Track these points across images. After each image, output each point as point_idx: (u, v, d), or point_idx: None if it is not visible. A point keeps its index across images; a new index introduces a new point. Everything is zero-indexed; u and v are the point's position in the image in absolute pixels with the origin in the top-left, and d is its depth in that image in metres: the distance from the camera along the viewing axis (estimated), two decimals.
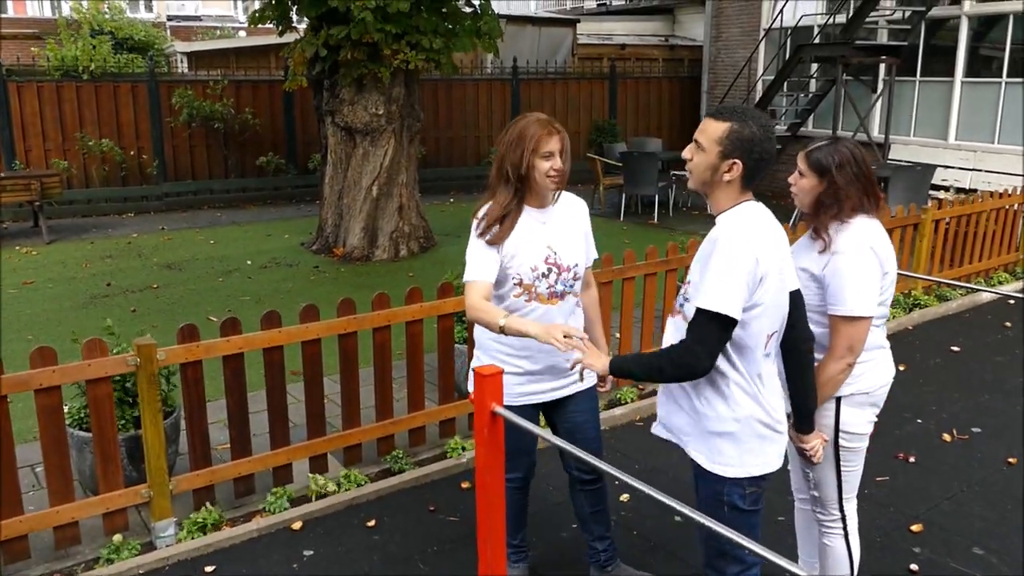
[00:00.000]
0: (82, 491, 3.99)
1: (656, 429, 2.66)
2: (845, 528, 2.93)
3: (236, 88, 13.47)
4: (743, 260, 2.25)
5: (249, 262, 9.32)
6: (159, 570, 3.55)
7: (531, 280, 2.95)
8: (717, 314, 2.24)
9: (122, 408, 3.88)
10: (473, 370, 2.50)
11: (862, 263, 2.63)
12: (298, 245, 10.22)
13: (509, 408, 2.43)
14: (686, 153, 2.44)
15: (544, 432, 2.49)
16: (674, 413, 2.56)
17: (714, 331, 2.26)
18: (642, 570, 3.42)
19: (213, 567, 3.56)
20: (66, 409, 3.73)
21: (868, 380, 2.77)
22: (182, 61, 18.24)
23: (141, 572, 3.53)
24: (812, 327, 2.64)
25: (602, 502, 3.29)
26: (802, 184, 2.77)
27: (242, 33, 27.29)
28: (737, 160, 2.32)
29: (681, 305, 2.47)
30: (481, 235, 2.93)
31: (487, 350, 3.09)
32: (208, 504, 3.89)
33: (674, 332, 2.50)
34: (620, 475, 2.11)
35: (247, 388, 4.00)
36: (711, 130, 2.34)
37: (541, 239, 2.97)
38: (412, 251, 9.78)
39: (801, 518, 3.15)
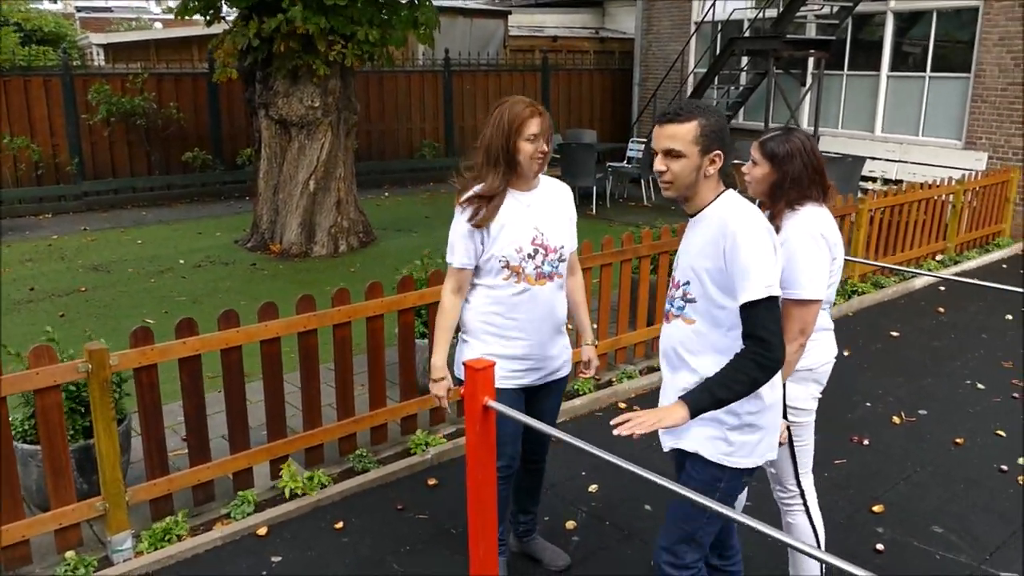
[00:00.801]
0: (27, 508, 3.77)
1: (666, 439, 2.55)
2: (805, 503, 3.02)
3: (158, 81, 12.99)
4: (768, 240, 2.28)
5: (182, 261, 9.00)
6: None
7: (518, 261, 2.97)
8: (773, 298, 2.24)
9: (72, 418, 3.68)
10: (464, 363, 2.44)
11: (813, 249, 2.69)
12: (232, 243, 9.92)
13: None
14: (659, 166, 2.34)
15: (531, 420, 2.44)
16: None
17: (777, 315, 2.27)
18: (616, 559, 3.42)
19: None
20: None
21: (812, 358, 2.87)
22: (98, 53, 17.49)
23: None
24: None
25: (539, 480, 3.43)
26: (755, 173, 2.84)
27: (158, 24, 26.42)
28: (718, 151, 2.34)
29: (681, 309, 2.42)
30: (468, 219, 2.95)
31: (474, 333, 3.07)
32: (171, 515, 3.72)
33: (689, 337, 2.41)
34: (623, 463, 2.08)
35: (204, 391, 3.84)
36: (682, 133, 2.29)
37: (528, 220, 3.00)
38: (352, 246, 9.60)
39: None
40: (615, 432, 2.18)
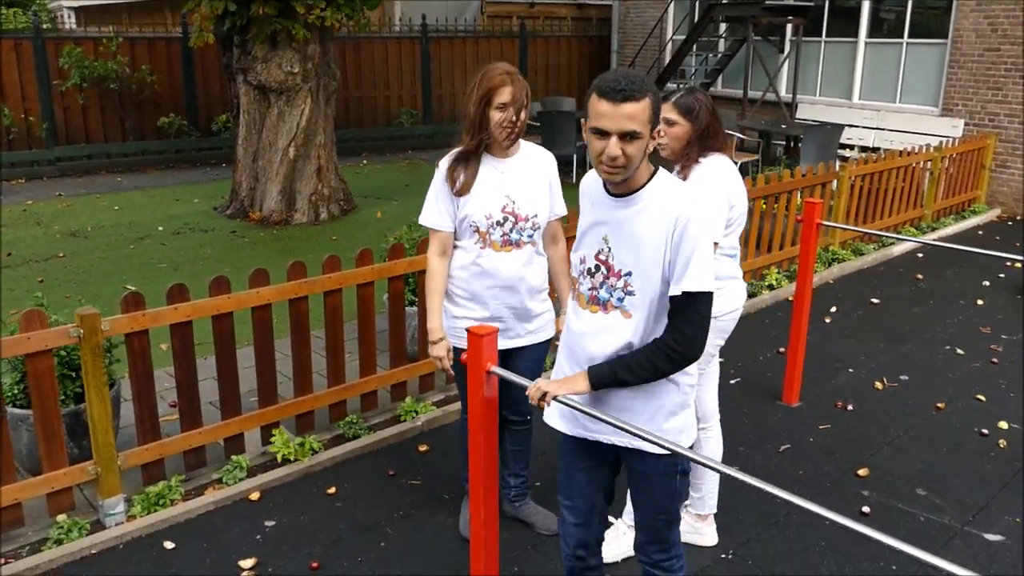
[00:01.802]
0: (18, 472, 3.75)
1: (577, 432, 2.44)
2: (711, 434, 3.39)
3: (131, 45, 12.72)
4: (710, 235, 2.20)
5: (160, 228, 8.90)
6: (114, 548, 3.39)
7: (485, 228, 3.03)
8: (709, 294, 2.16)
9: (63, 383, 3.66)
10: (467, 330, 2.45)
11: (713, 196, 2.95)
12: (211, 210, 9.81)
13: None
14: (614, 150, 2.10)
15: (507, 373, 2.47)
16: (615, 410, 2.31)
17: (707, 313, 2.17)
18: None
19: (172, 543, 3.42)
20: None
21: (718, 305, 2.98)
22: (69, 16, 17.13)
23: (94, 552, 3.36)
24: None
25: (525, 442, 3.47)
26: (675, 132, 3.01)
27: None
28: (658, 126, 2.24)
29: (621, 300, 2.25)
30: (446, 182, 3.03)
31: (450, 296, 3.16)
32: (163, 480, 3.73)
33: (614, 331, 2.26)
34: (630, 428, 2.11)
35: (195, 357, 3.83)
36: (639, 112, 2.11)
37: (499, 188, 3.04)
38: (332, 214, 9.53)
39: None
40: (534, 403, 2.28)
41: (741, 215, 3.11)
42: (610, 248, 2.25)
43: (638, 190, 2.21)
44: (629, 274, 2.22)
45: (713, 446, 3.40)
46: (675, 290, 2.15)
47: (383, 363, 4.65)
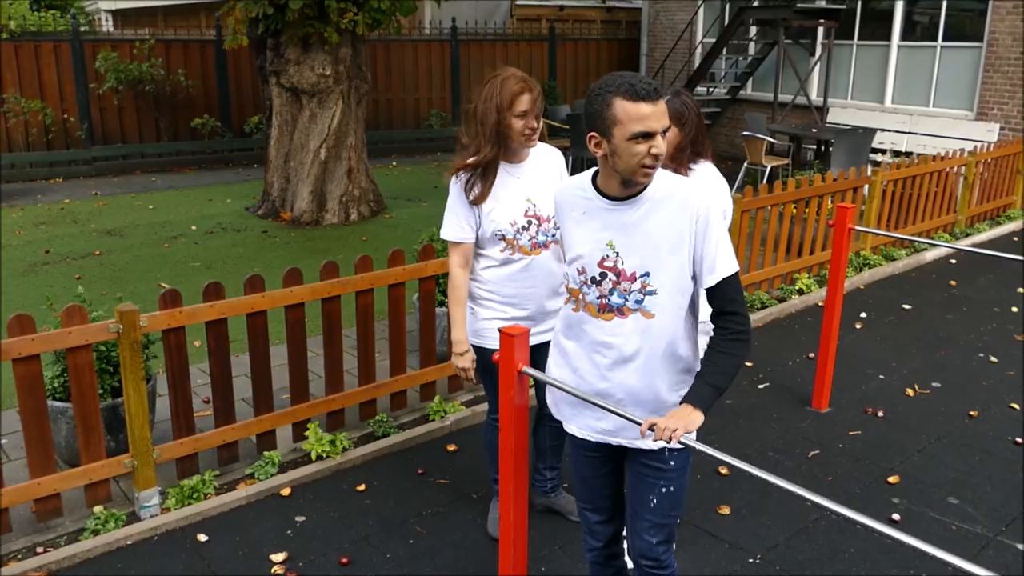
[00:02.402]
0: (57, 464, 3.84)
1: (598, 437, 2.41)
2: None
3: (166, 48, 12.93)
4: (723, 215, 2.30)
5: (194, 227, 9.03)
6: (148, 540, 3.46)
7: (512, 235, 3.06)
8: (738, 269, 2.24)
9: (101, 377, 3.74)
10: (499, 331, 2.48)
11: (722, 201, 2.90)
12: (242, 210, 9.94)
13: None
14: (662, 147, 2.12)
15: (536, 372, 2.49)
16: (640, 408, 2.31)
17: (741, 285, 2.25)
18: None
19: (206, 536, 3.48)
20: None
21: (703, 313, 2.97)
22: (106, 19, 17.42)
23: (129, 543, 3.43)
24: None
25: (561, 438, 3.47)
26: (668, 136, 2.89)
27: None
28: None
29: (639, 302, 2.23)
30: (464, 188, 3.04)
31: (477, 299, 3.18)
32: (196, 474, 3.80)
33: (640, 332, 2.25)
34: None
35: (230, 354, 3.89)
36: (665, 109, 2.15)
37: (519, 193, 3.07)
38: (363, 215, 9.62)
39: None
40: (654, 441, 2.18)
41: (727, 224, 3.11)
42: (617, 253, 2.23)
43: (643, 190, 2.21)
44: (647, 274, 2.21)
45: None
46: (713, 280, 2.19)
47: (413, 363, 4.70)
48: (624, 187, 2.20)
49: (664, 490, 2.39)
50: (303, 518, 3.64)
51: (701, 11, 14.61)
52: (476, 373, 3.19)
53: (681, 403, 2.16)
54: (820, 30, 12.64)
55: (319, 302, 4.10)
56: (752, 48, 14.07)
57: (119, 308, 3.43)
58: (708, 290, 2.22)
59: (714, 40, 13.55)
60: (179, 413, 3.76)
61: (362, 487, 3.88)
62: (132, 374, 3.48)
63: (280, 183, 9.65)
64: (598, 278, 2.27)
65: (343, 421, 4.32)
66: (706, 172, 3.00)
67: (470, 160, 3.02)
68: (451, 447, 4.25)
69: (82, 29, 12.69)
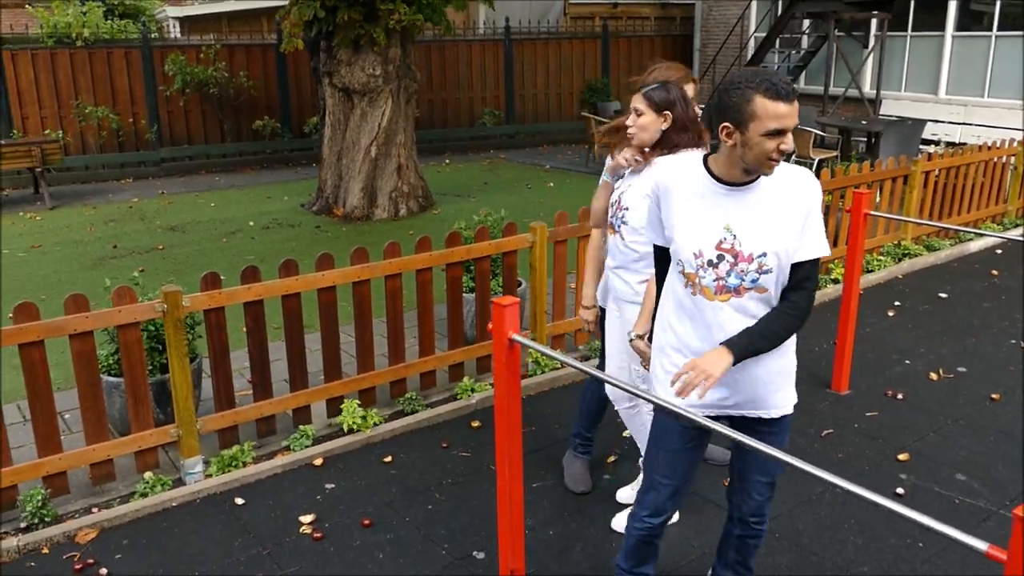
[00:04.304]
0: (112, 435, 4.18)
1: (707, 411, 2.50)
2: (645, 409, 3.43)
3: (229, 52, 13.48)
4: None
5: (251, 223, 9.45)
6: (191, 503, 3.76)
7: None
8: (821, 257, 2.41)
9: (151, 355, 4.07)
10: (492, 301, 2.68)
11: None
12: (298, 206, 10.35)
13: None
14: (792, 144, 2.28)
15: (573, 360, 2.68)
16: (743, 383, 2.46)
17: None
18: None
19: (243, 500, 3.77)
20: None
21: None
22: (174, 26, 18.17)
23: (174, 504, 3.73)
24: (641, 243, 3.10)
25: (603, 408, 3.79)
26: (644, 122, 3.06)
27: None
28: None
29: (755, 281, 2.34)
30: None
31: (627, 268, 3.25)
32: (237, 444, 4.09)
33: (760, 308, 2.38)
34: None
35: (267, 334, 4.18)
36: (638, 98, 2.57)
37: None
38: (411, 210, 9.92)
39: (629, 416, 3.50)
40: (680, 396, 2.28)
41: None
42: (735, 236, 2.32)
43: (759, 177, 2.33)
44: (764, 255, 2.32)
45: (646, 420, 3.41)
46: (807, 255, 2.34)
47: (443, 347, 4.94)
48: (745, 174, 2.31)
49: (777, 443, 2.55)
50: (332, 485, 3.90)
51: (754, 5, 14.56)
52: (596, 327, 3.47)
53: (720, 345, 2.33)
54: (873, 22, 12.50)
55: (351, 286, 4.36)
56: (804, 42, 13.98)
57: (164, 289, 3.74)
58: (795, 264, 2.35)
59: (765, 34, 13.50)
60: (220, 388, 4.07)
61: (388, 458, 4.12)
62: (176, 350, 3.78)
63: (333, 180, 10.02)
64: (715, 260, 2.35)
65: (374, 399, 4.58)
66: (691, 157, 3.10)
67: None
68: (475, 423, 4.47)
69: (152, 36, 13.33)
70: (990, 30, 10.82)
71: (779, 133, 2.20)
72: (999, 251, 7.78)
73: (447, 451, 4.21)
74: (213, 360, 4.03)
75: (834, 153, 10.66)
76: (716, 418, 2.50)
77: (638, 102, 3.07)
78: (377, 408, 4.53)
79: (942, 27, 11.48)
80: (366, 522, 3.59)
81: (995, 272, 7.09)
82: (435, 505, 3.73)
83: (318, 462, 4.08)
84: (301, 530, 3.56)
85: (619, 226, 3.20)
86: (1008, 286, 6.72)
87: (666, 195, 2.44)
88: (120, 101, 12.77)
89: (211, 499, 3.80)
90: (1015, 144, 8.34)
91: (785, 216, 2.32)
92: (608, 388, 3.56)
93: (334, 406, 4.41)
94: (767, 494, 2.67)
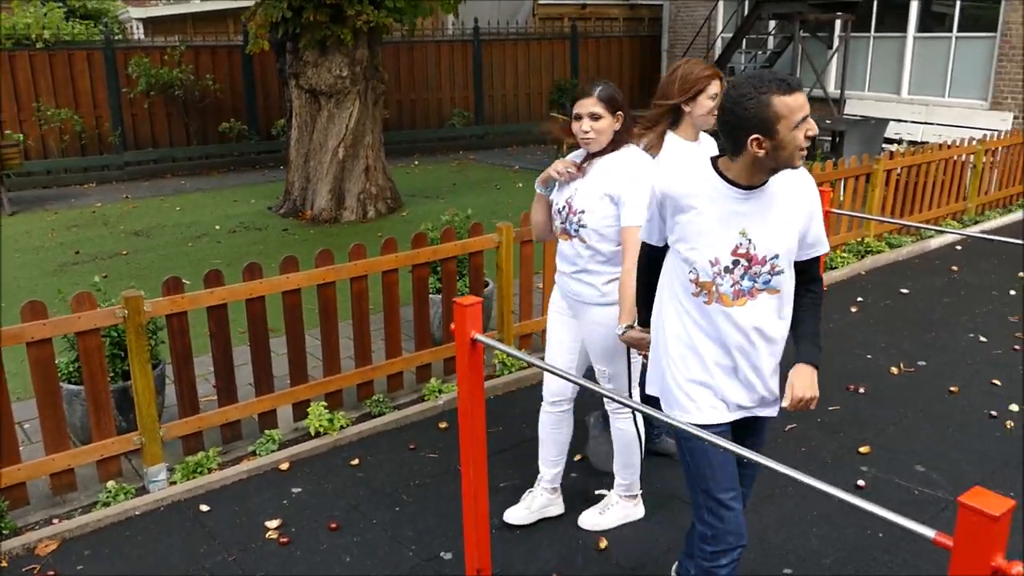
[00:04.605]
0: (73, 443, 4.12)
1: (739, 414, 2.50)
2: (633, 411, 3.34)
3: (195, 54, 13.34)
4: None
5: (217, 227, 9.37)
6: (155, 511, 3.72)
7: None
8: None
9: (113, 362, 4.02)
10: (453, 301, 2.69)
11: (647, 184, 2.92)
12: (265, 209, 10.27)
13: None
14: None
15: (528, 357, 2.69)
16: (774, 378, 2.49)
17: None
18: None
19: (208, 507, 3.74)
20: None
21: None
22: (137, 27, 17.96)
23: (138, 513, 3.69)
24: (605, 243, 3.10)
25: None
26: (602, 126, 3.04)
27: None
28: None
29: (767, 282, 2.35)
30: None
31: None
32: (202, 451, 4.05)
33: (774, 308, 2.39)
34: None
35: (231, 339, 4.15)
36: (592, 102, 2.62)
37: None
38: (380, 212, 9.89)
39: (551, 421, 3.47)
40: (786, 404, 2.37)
41: None
42: (750, 240, 2.31)
43: (768, 180, 2.33)
44: (776, 256, 2.33)
45: (627, 426, 3.41)
46: (816, 253, 2.44)
47: (410, 348, 4.93)
48: (764, 176, 2.29)
49: (761, 448, 2.60)
50: (299, 489, 3.88)
51: (720, 6, 14.69)
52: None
53: (802, 363, 2.39)
54: (837, 23, 12.66)
55: (316, 289, 4.34)
56: (771, 42, 14.13)
57: (124, 294, 3.70)
58: (806, 261, 2.44)
59: (732, 35, 13.63)
60: (184, 393, 4.03)
61: (356, 461, 4.11)
62: (138, 356, 3.74)
63: (301, 182, 9.96)
64: (731, 266, 2.33)
65: (341, 402, 4.56)
66: (636, 153, 3.13)
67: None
68: (443, 424, 4.47)
69: (115, 38, 13.16)
70: (951, 31, 11.01)
71: (804, 120, 2.19)
72: (959, 247, 7.92)
73: (415, 452, 4.20)
74: (176, 366, 3.99)
75: None
76: (727, 425, 2.48)
77: (595, 106, 3.03)
78: (344, 411, 4.51)
79: (904, 28, 11.66)
80: (333, 525, 3.58)
81: (955, 268, 7.22)
82: (402, 507, 3.73)
83: (284, 466, 4.06)
84: (267, 535, 3.54)
85: (575, 231, 3.15)
86: (967, 282, 6.84)
87: (674, 204, 2.38)
88: (83, 104, 12.59)
89: (175, 506, 3.76)
90: (974, 143, 8.50)
91: (793, 215, 2.35)
92: (557, 392, 3.46)
93: (300, 410, 4.39)
94: (752, 487, 2.75)
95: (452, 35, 15.57)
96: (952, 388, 4.79)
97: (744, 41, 13.60)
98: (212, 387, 4.75)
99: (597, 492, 3.70)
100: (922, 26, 11.51)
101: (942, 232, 7.66)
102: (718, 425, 2.45)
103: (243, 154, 13.73)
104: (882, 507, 1.74)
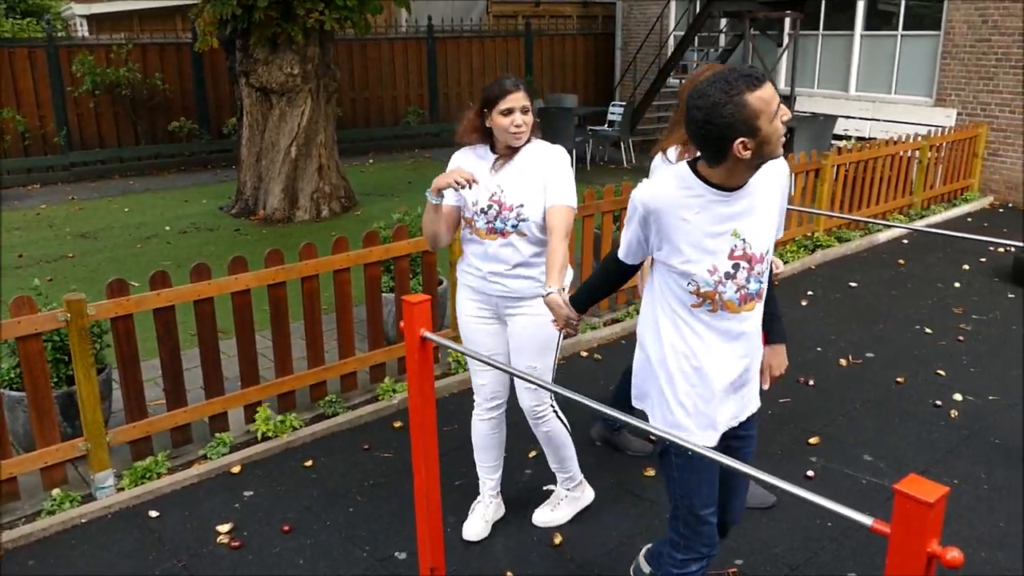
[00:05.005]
0: (16, 451, 4.02)
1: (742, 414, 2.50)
2: (555, 408, 3.36)
3: (142, 52, 13.07)
4: None
5: (167, 228, 9.20)
6: (102, 518, 3.64)
7: None
8: None
9: (56, 367, 3.92)
10: (402, 299, 2.67)
11: (568, 166, 3.13)
12: (217, 210, 10.11)
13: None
14: None
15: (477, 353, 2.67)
16: (756, 379, 2.50)
17: None
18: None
19: (157, 512, 3.67)
20: None
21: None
22: (81, 24, 17.54)
23: (84, 521, 3.61)
24: (544, 232, 3.08)
25: None
26: (529, 118, 3.03)
27: None
28: None
29: (760, 282, 2.34)
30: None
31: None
32: (151, 456, 3.98)
33: (759, 318, 2.38)
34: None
35: (180, 341, 4.08)
36: (523, 96, 2.62)
37: None
38: (334, 211, 9.80)
39: (490, 426, 3.44)
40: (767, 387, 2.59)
41: None
42: (744, 239, 2.26)
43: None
44: (768, 251, 2.31)
45: (556, 426, 3.40)
46: (779, 235, 2.42)
47: (364, 348, 4.89)
48: (750, 174, 2.22)
49: (754, 448, 2.62)
50: (251, 493, 3.83)
51: (672, 4, 14.80)
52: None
53: (775, 343, 2.66)
54: (787, 21, 12.84)
55: (266, 289, 4.28)
56: (722, 40, 14.27)
57: (67, 297, 3.61)
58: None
59: (684, 33, 13.74)
60: (130, 397, 3.95)
61: (309, 463, 4.07)
62: (82, 360, 3.66)
63: (253, 182, 9.82)
64: (732, 271, 2.26)
65: (294, 403, 4.51)
66: (544, 142, 3.15)
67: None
68: (397, 424, 4.44)
69: (58, 35, 12.84)
70: (896, 30, 11.23)
71: (779, 108, 2.13)
72: (905, 241, 8.09)
73: (369, 453, 4.17)
74: (122, 369, 3.91)
75: None
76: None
77: (525, 100, 2.98)
78: (297, 412, 4.46)
79: (852, 26, 11.85)
80: (286, 528, 3.54)
81: (902, 261, 7.37)
82: (356, 507, 3.70)
83: (236, 470, 4.00)
84: (218, 540, 3.48)
85: (513, 227, 3.05)
86: (914, 274, 6.99)
87: (662, 218, 2.25)
88: (25, 103, 12.26)
89: (123, 513, 3.69)
90: (920, 139, 8.68)
91: (773, 205, 2.33)
92: (495, 394, 3.41)
93: (252, 412, 4.33)
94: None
95: (406, 32, 15.48)
96: (899, 379, 4.89)
97: (696, 39, 13.71)
98: (163, 391, 4.67)
99: (545, 488, 3.70)
100: (869, 24, 11.71)
101: (889, 227, 7.80)
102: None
103: (194, 153, 13.49)
104: (828, 498, 1.76)
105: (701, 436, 2.40)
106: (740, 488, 2.68)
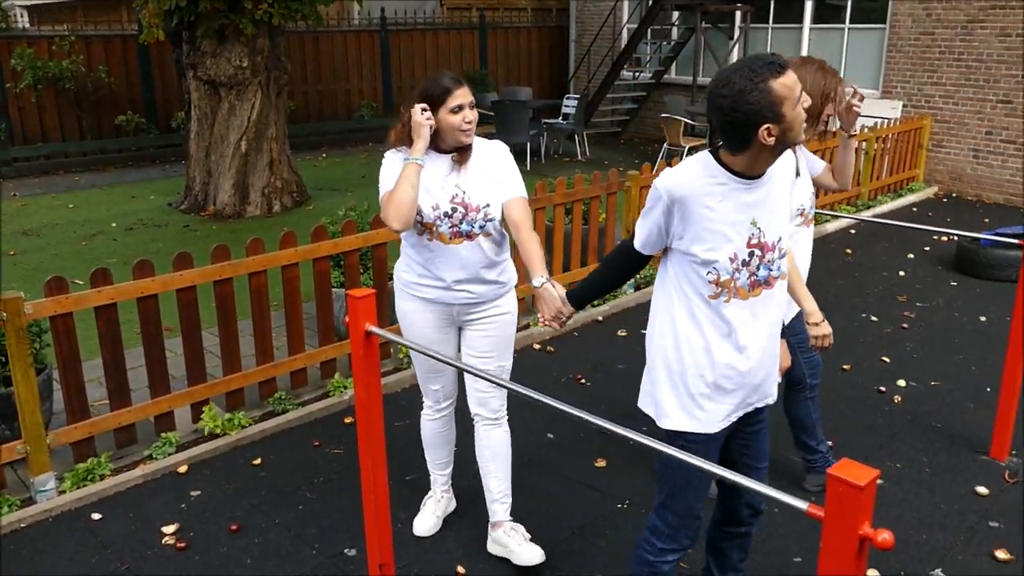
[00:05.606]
0: None
1: (740, 412, 2.44)
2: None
3: (86, 43, 12.76)
4: None
5: (114, 224, 9.01)
6: (43, 522, 3.55)
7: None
8: None
9: None
10: (346, 293, 2.64)
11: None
12: (165, 205, 9.92)
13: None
14: None
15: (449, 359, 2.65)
16: (774, 359, 2.47)
17: None
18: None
19: (99, 515, 3.59)
20: None
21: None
22: (22, 15, 17.07)
23: (23, 526, 3.52)
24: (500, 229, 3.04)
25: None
26: (476, 115, 2.98)
27: None
28: None
29: (779, 268, 2.34)
30: None
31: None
32: (94, 457, 3.89)
33: (784, 292, 2.40)
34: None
35: (122, 339, 3.99)
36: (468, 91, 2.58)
37: None
38: (286, 206, 9.68)
39: (442, 423, 3.41)
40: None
41: None
42: (760, 228, 2.26)
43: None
44: (780, 239, 2.31)
45: (502, 434, 3.28)
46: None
47: (314, 344, 4.84)
48: (771, 161, 2.23)
49: (766, 442, 2.57)
50: (198, 492, 3.77)
51: None
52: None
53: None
54: (737, 14, 12.97)
55: (211, 286, 4.21)
56: (675, 33, 14.38)
57: (3, 296, 3.51)
58: None
59: (637, 25, 13.81)
60: (71, 397, 3.86)
61: (258, 461, 4.01)
62: (20, 361, 3.56)
63: (202, 177, 9.66)
64: (747, 259, 2.26)
65: (243, 400, 4.45)
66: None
67: None
68: (348, 420, 4.40)
69: None
70: (844, 23, 11.41)
71: (801, 95, 2.16)
72: (853, 231, 8.23)
73: (319, 449, 4.13)
74: (63, 369, 3.81)
75: (703, 140, 11.02)
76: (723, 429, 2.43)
77: (470, 96, 2.93)
78: (246, 410, 4.40)
79: (800, 20, 12.02)
80: (234, 527, 3.49)
81: (849, 251, 7.50)
82: (306, 505, 3.66)
83: (183, 469, 3.93)
84: (164, 541, 3.42)
85: (480, 228, 2.96)
86: (861, 264, 7.12)
87: (682, 207, 2.23)
88: None
89: (65, 516, 3.60)
90: (866, 130, 8.83)
91: (785, 195, 2.33)
92: (447, 395, 3.39)
93: (199, 411, 4.26)
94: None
95: (359, 25, 15.33)
96: (845, 366, 4.98)
97: (649, 32, 13.80)
98: (107, 390, 4.57)
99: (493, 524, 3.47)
100: (817, 18, 11.89)
101: (837, 217, 7.95)
102: (719, 434, 2.41)
103: (141, 148, 13.22)
104: (773, 484, 1.78)
105: (713, 424, 2.37)
106: (756, 468, 2.60)
